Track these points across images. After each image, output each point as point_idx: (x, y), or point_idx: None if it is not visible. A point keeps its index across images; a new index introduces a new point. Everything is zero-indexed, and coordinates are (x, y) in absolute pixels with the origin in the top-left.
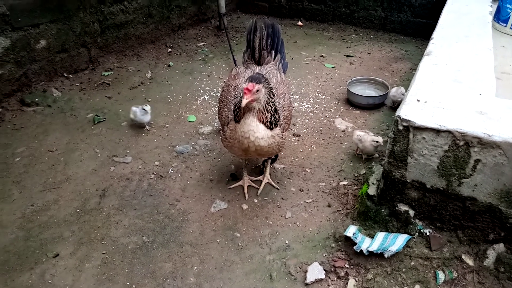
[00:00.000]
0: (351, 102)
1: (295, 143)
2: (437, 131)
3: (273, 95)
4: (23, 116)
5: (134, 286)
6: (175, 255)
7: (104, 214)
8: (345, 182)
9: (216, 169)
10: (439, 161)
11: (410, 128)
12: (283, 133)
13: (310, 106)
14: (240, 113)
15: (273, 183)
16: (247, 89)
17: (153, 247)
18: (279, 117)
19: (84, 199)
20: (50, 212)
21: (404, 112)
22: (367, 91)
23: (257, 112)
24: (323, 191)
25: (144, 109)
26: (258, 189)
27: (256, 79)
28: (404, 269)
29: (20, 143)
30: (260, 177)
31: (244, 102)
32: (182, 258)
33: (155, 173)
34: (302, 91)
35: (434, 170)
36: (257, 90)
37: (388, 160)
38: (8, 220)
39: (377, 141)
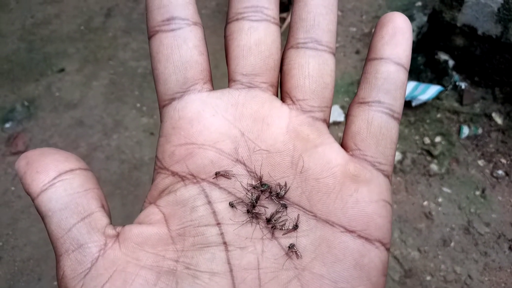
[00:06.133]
0: None
1: None
2: None
3: None
4: None
5: (144, 108)
6: None
7: (111, 35)
8: None
9: None
10: (502, 2)
11: None
12: None
13: None
14: None
15: None
16: None
17: None
18: None
19: (88, 17)
20: (52, 26)
21: None
22: None
23: None
24: (352, 37)
25: None
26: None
27: None
28: (428, 121)
29: None
30: (284, 14)
31: None
32: None
33: None
34: None
35: (493, 13)
36: None
37: None
38: (7, 30)
39: None
